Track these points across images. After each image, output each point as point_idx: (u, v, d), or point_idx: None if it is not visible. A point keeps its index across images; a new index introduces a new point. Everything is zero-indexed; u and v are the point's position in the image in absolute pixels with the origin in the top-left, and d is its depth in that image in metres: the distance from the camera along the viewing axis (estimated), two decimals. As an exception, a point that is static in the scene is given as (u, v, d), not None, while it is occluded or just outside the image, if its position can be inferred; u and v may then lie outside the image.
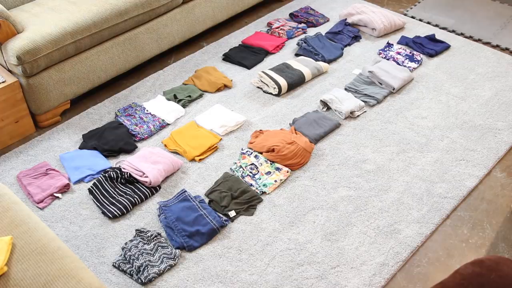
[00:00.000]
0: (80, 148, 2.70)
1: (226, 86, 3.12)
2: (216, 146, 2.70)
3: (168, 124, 2.86)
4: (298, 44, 3.45)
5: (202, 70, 3.21)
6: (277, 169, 2.55)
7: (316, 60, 3.30)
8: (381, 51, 3.38)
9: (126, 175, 2.47)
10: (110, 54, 2.97)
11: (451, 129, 2.81)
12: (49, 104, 2.80)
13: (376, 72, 3.07)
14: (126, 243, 2.20)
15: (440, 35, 3.56)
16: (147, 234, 2.22)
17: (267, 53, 3.40)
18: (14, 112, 2.70)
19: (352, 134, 2.78)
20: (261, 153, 2.63)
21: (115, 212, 2.34)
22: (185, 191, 2.40)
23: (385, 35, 3.58)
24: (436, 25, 3.71)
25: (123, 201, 2.38)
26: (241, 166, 2.57)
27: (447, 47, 3.43)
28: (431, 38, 3.46)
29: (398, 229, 2.29)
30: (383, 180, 2.52)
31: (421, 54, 3.35)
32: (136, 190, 2.44)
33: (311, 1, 3.98)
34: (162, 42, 3.24)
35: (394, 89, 3.03)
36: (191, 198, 2.36)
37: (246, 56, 3.34)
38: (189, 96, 3.02)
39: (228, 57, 3.35)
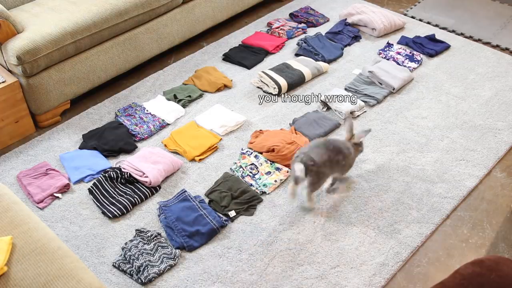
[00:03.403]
0: (80, 148, 2.70)
1: (226, 86, 3.12)
2: (216, 146, 2.70)
3: (168, 124, 2.86)
4: (298, 44, 3.45)
5: (202, 70, 3.21)
6: (277, 169, 2.55)
7: (316, 60, 3.30)
8: (381, 51, 3.38)
9: (126, 175, 2.47)
10: (110, 54, 2.97)
11: (451, 129, 2.81)
12: (49, 104, 2.80)
13: (376, 72, 3.07)
14: (126, 243, 2.20)
15: (440, 35, 3.56)
16: (147, 234, 2.22)
17: (267, 53, 3.40)
18: (14, 112, 2.70)
19: (352, 134, 2.78)
20: (261, 153, 2.63)
21: (115, 212, 2.34)
22: (185, 191, 2.40)
23: (385, 35, 3.58)
24: (436, 25, 3.71)
25: (123, 201, 2.38)
26: (241, 166, 2.57)
27: (447, 47, 3.43)
28: (431, 38, 3.46)
29: (398, 229, 2.29)
30: (383, 180, 2.52)
31: (421, 54, 3.35)
32: (136, 190, 2.44)
33: (311, 1, 3.98)
34: (162, 42, 3.24)
35: (394, 89, 3.03)
36: (191, 198, 2.36)
37: (246, 56, 3.34)
38: (189, 96, 3.01)
39: (228, 57, 3.35)
